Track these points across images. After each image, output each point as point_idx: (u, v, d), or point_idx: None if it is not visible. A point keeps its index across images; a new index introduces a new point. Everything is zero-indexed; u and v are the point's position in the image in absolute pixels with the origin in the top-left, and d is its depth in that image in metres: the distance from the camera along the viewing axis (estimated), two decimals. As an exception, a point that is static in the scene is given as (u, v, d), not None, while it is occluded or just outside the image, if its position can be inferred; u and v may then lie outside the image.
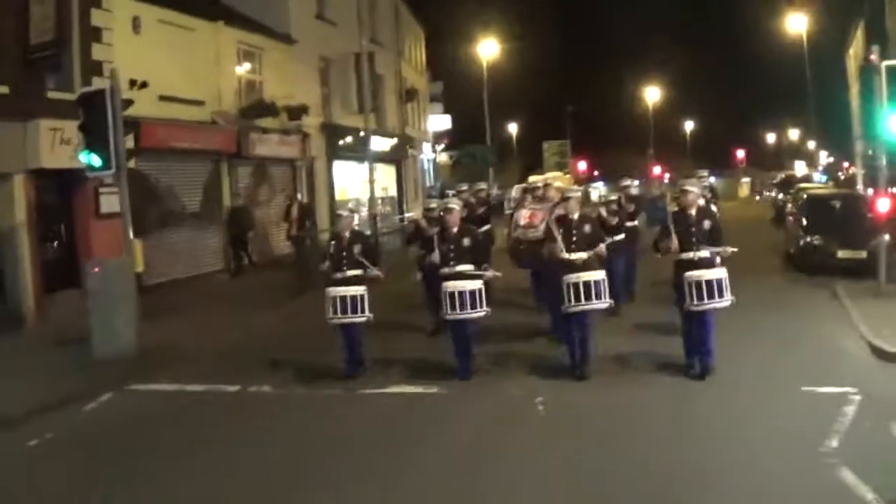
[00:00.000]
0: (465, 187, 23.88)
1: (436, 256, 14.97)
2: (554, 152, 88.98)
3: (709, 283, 13.41)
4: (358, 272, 15.29)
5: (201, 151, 29.14)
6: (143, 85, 24.39)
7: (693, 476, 9.62)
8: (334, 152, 39.64)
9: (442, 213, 15.93)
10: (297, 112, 34.36)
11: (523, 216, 17.86)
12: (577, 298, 14.02)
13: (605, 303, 14.33)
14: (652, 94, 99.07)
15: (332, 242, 15.75)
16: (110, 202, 24.36)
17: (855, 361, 14.25)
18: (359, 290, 15.14)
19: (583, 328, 14.38)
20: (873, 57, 19.42)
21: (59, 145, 22.49)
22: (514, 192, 22.24)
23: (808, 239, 24.91)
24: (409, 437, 11.87)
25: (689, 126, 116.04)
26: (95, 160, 17.87)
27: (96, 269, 18.02)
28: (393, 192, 48.06)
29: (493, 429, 12.03)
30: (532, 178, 44.15)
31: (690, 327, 14.01)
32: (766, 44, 77.39)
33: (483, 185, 24.70)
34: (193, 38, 29.20)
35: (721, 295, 13.45)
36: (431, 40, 56.80)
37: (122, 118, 18.35)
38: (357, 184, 41.92)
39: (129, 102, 19.44)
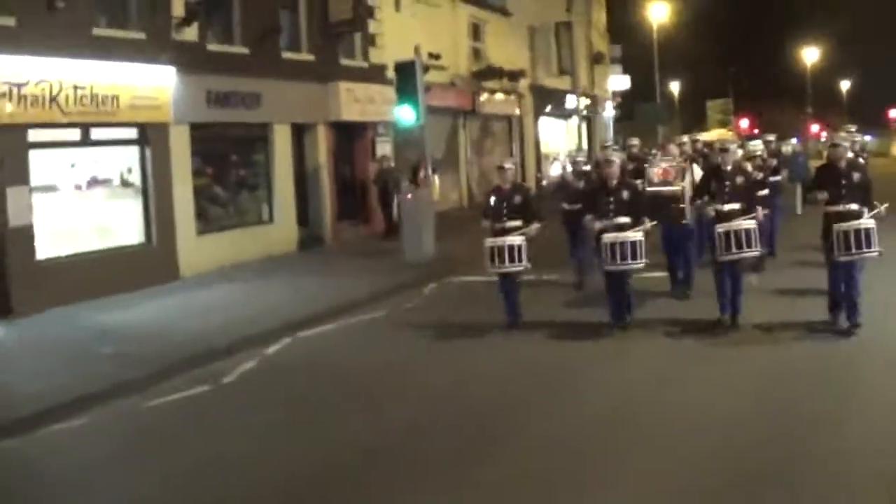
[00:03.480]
0: (608, 143, 25.73)
1: (589, 220, 15.13)
2: (717, 110, 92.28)
3: (857, 232, 13.25)
4: (517, 223, 15.37)
5: (446, 108, 34.88)
6: (437, 57, 30.37)
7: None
8: (540, 110, 45.08)
9: (601, 166, 16.23)
10: (516, 75, 40.05)
11: (656, 172, 17.71)
12: (729, 248, 14.11)
13: (755, 251, 14.55)
14: (811, 55, 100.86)
15: (493, 195, 15.95)
16: (383, 149, 30.54)
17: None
18: (516, 240, 15.17)
19: (734, 278, 14.57)
20: None
21: (352, 102, 28.67)
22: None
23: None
24: (581, 379, 12.64)
25: (845, 86, 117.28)
26: (408, 115, 23.66)
27: (409, 196, 23.99)
28: (585, 145, 52.59)
29: (644, 385, 12.18)
30: (701, 136, 48.07)
31: (837, 279, 13.94)
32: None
33: (635, 141, 24.78)
34: (437, 13, 35.19)
35: (869, 245, 13.29)
36: (610, 4, 61.21)
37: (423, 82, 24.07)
38: (558, 138, 47.39)
39: (426, 70, 25.34)
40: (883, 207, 13.83)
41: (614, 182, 15.01)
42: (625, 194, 14.88)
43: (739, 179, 14.72)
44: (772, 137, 24.69)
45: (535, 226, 15.41)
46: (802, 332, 14.06)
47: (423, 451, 10.07)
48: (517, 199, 15.59)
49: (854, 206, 13.52)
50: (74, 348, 15.67)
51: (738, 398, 11.12)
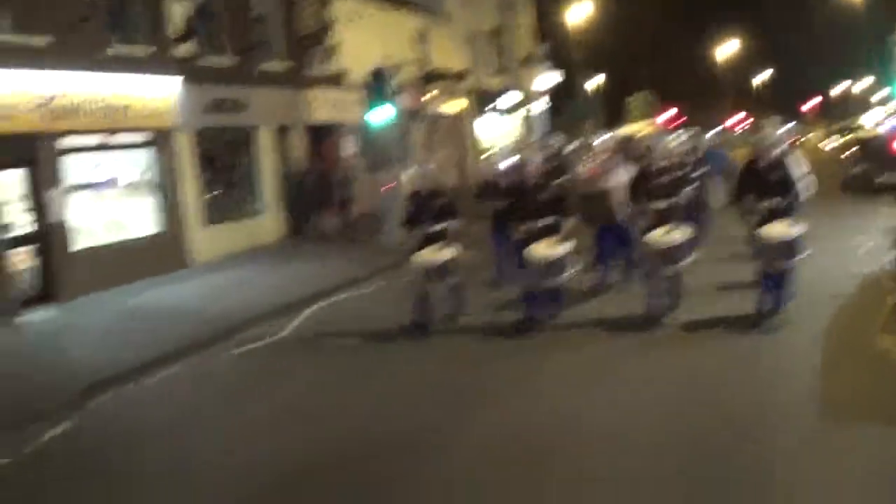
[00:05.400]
0: (530, 142, 27.30)
1: (512, 231, 15.16)
2: (640, 102, 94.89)
3: (782, 244, 13.35)
4: (439, 226, 15.28)
5: (399, 110, 37.82)
6: (401, 66, 33.51)
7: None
8: (480, 109, 48.24)
9: (519, 167, 16.46)
10: (458, 77, 43.29)
11: (584, 171, 17.78)
12: (664, 263, 14.34)
13: (688, 260, 14.69)
14: (730, 47, 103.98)
15: (412, 199, 15.83)
16: (345, 147, 33.60)
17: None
18: (445, 255, 15.23)
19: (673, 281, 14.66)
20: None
21: (322, 106, 31.88)
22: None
23: (856, 168, 33.02)
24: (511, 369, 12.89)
25: (764, 77, 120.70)
26: (383, 116, 26.94)
27: (391, 185, 27.10)
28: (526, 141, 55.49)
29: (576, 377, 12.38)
30: (623, 130, 51.06)
31: (766, 281, 13.78)
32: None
33: (554, 140, 24.96)
34: (387, 22, 38.11)
35: (794, 254, 13.42)
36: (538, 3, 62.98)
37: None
38: (498, 135, 50.43)
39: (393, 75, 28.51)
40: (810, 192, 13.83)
41: (534, 183, 15.11)
42: (545, 195, 14.92)
43: (665, 178, 14.74)
44: (692, 131, 25.17)
45: (455, 224, 15.50)
46: (731, 328, 13.93)
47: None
48: (437, 202, 15.54)
49: (780, 202, 13.42)
50: (128, 322, 18.50)
51: (665, 404, 10.85)
